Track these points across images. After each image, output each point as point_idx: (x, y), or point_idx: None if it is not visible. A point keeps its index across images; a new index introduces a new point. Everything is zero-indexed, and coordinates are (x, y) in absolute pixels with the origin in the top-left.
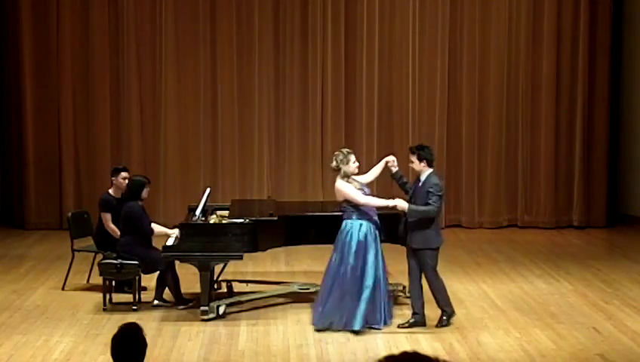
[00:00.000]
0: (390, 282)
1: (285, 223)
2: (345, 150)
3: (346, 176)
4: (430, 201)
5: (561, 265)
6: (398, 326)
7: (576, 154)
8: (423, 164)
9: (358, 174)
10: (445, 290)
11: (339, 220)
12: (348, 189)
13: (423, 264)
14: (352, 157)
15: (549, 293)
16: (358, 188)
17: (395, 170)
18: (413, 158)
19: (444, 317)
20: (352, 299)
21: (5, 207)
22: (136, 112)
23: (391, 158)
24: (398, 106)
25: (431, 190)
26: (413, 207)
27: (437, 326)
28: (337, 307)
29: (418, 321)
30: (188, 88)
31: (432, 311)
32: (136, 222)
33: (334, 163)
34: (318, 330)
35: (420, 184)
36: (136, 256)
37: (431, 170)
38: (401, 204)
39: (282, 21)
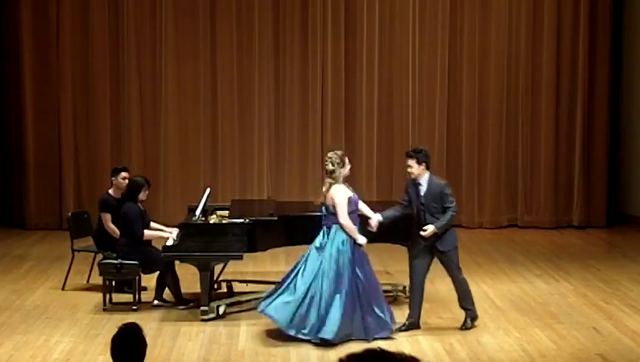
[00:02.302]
0: (390, 282)
1: (285, 223)
2: (339, 152)
3: (345, 180)
4: (449, 206)
5: (561, 265)
6: (395, 330)
7: (576, 154)
8: (422, 167)
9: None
10: (470, 290)
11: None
12: (341, 200)
13: (451, 264)
14: (347, 159)
15: (549, 293)
16: (352, 193)
17: (378, 219)
18: (412, 163)
19: (469, 319)
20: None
21: (5, 207)
22: (136, 112)
23: (374, 223)
24: (398, 106)
25: (446, 192)
26: (439, 224)
27: (461, 328)
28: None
29: (414, 324)
30: (188, 88)
31: (429, 315)
32: (129, 223)
33: (330, 166)
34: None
35: (426, 188)
36: (136, 256)
37: (428, 172)
38: (376, 218)
39: (282, 21)
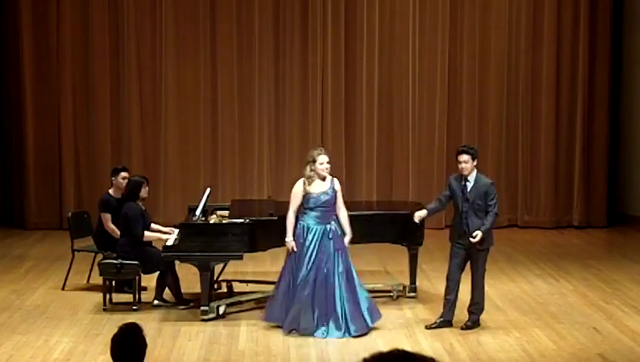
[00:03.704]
0: (390, 282)
1: (285, 223)
2: (316, 150)
3: (308, 178)
4: (491, 207)
5: (561, 265)
6: (426, 327)
7: (576, 154)
8: (474, 164)
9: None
10: (483, 300)
11: (338, 220)
12: (292, 193)
13: (480, 264)
14: (321, 158)
15: (549, 293)
16: (319, 192)
17: (424, 215)
18: (468, 158)
19: (470, 322)
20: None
21: (5, 207)
22: (136, 112)
23: (417, 217)
24: (398, 106)
25: (491, 192)
26: (485, 228)
27: (462, 328)
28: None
29: (446, 323)
30: (188, 88)
31: (430, 314)
32: (129, 223)
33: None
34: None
35: (473, 184)
36: (135, 256)
37: (476, 170)
38: (418, 214)
39: (282, 21)
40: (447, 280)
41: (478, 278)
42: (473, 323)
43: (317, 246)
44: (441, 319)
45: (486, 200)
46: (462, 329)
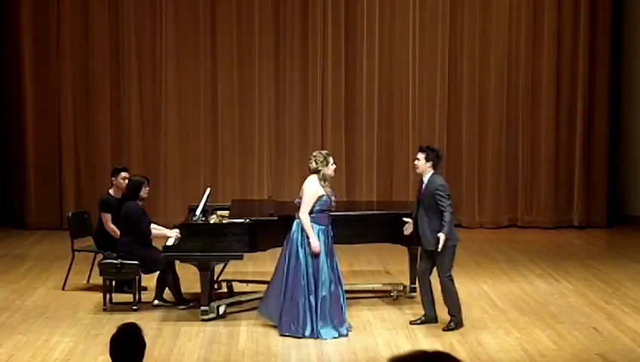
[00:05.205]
0: (390, 282)
1: (285, 223)
2: (324, 151)
3: (324, 179)
4: (443, 207)
5: (561, 265)
6: (410, 323)
7: (576, 154)
8: (428, 164)
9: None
10: (457, 296)
11: (339, 219)
12: (308, 192)
13: (440, 263)
14: (331, 159)
15: (549, 293)
16: (331, 195)
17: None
18: (421, 156)
19: (452, 324)
20: (291, 300)
21: (5, 207)
22: (136, 112)
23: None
24: (398, 106)
25: (439, 193)
26: (445, 229)
27: (443, 329)
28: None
29: (430, 319)
30: (188, 88)
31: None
32: (134, 222)
33: (313, 164)
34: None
35: (424, 186)
36: (136, 256)
37: (433, 171)
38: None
39: (282, 21)
40: (419, 284)
41: (439, 278)
42: (456, 324)
43: (328, 247)
44: (423, 316)
45: (435, 202)
46: (443, 330)
